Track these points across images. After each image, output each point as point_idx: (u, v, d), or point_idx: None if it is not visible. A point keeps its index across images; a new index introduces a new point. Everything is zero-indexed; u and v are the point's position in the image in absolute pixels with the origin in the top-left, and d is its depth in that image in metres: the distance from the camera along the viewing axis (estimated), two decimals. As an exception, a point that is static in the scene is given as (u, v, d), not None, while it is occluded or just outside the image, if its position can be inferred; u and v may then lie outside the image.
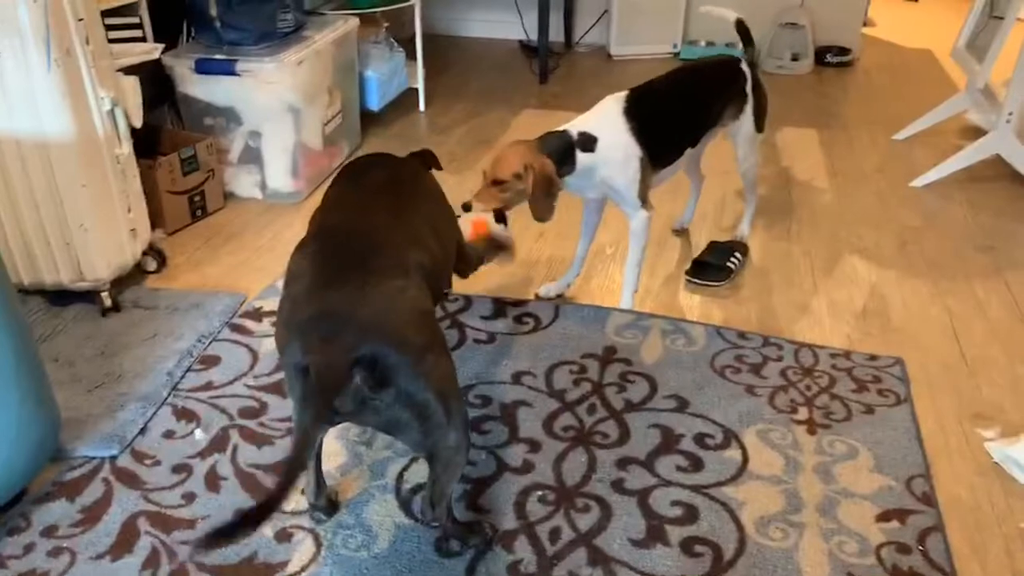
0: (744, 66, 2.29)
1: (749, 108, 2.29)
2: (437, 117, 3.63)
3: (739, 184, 2.60)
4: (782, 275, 2.41)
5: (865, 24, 4.75)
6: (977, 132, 3.23)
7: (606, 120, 2.00)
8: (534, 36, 4.20)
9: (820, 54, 4.42)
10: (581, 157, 1.96)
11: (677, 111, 2.13)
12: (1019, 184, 2.95)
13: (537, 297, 2.28)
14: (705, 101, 2.21)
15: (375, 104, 3.36)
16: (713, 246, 2.45)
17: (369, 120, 3.41)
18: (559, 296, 2.28)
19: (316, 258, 1.34)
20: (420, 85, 3.66)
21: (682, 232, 2.65)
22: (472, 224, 1.95)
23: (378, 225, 1.42)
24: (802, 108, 3.81)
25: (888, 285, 2.36)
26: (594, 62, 4.47)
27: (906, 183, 3.02)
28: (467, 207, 1.94)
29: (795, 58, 4.32)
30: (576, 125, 1.99)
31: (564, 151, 1.95)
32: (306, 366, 1.19)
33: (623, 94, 2.04)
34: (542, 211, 1.93)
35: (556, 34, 4.53)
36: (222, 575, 1.44)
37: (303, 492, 1.57)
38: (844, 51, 4.43)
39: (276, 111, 2.71)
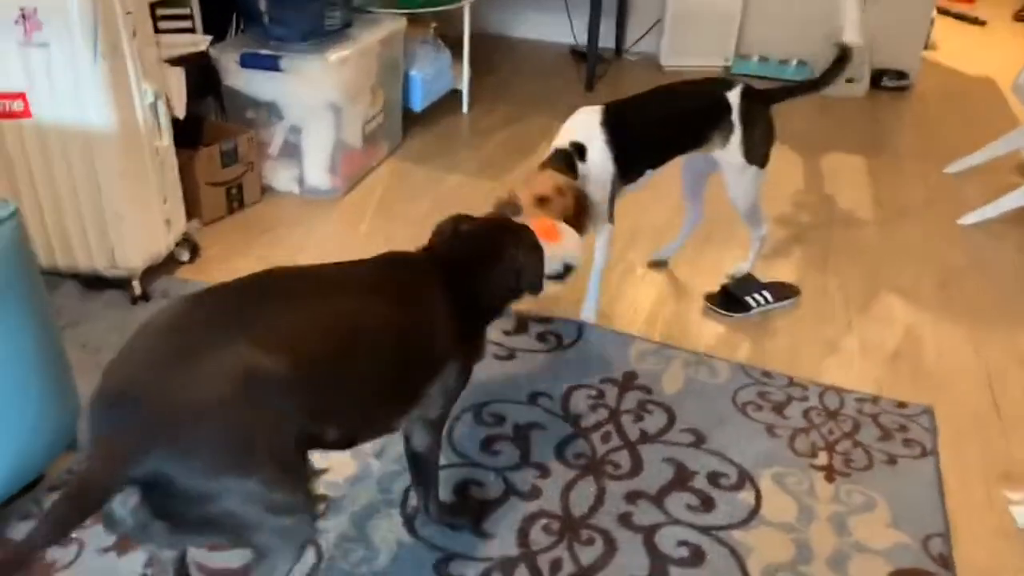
0: (732, 94, 2.14)
1: (736, 138, 2.15)
2: (479, 120, 3.62)
3: (774, 214, 2.53)
4: (815, 308, 2.35)
5: (926, 47, 4.62)
6: (1034, 171, 3.12)
7: (588, 132, 2.03)
8: (584, 41, 4.16)
9: (876, 77, 4.30)
10: (580, 167, 2.02)
11: (648, 129, 2.12)
12: (1074, 229, 2.85)
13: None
14: (676, 123, 2.17)
15: (418, 105, 3.36)
16: (746, 279, 2.37)
17: (411, 120, 3.41)
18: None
19: (187, 311, 1.12)
20: (465, 87, 3.65)
21: (658, 265, 2.50)
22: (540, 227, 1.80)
23: (278, 310, 1.16)
24: (852, 134, 3.72)
25: (924, 327, 2.29)
26: (643, 72, 4.41)
27: (953, 220, 2.92)
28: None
29: (849, 80, 4.22)
30: (564, 138, 2.04)
31: (570, 166, 2.01)
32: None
33: (598, 107, 2.08)
34: (588, 224, 1.99)
35: (607, 40, 4.48)
36: (223, 579, 1.45)
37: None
38: (902, 75, 4.31)
39: (318, 108, 2.72)
